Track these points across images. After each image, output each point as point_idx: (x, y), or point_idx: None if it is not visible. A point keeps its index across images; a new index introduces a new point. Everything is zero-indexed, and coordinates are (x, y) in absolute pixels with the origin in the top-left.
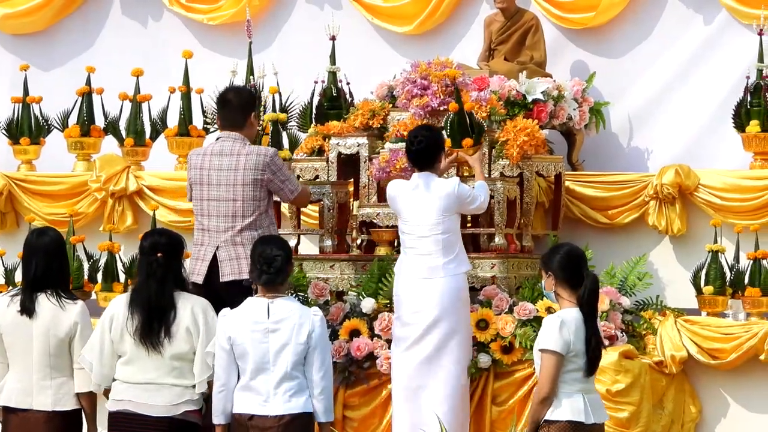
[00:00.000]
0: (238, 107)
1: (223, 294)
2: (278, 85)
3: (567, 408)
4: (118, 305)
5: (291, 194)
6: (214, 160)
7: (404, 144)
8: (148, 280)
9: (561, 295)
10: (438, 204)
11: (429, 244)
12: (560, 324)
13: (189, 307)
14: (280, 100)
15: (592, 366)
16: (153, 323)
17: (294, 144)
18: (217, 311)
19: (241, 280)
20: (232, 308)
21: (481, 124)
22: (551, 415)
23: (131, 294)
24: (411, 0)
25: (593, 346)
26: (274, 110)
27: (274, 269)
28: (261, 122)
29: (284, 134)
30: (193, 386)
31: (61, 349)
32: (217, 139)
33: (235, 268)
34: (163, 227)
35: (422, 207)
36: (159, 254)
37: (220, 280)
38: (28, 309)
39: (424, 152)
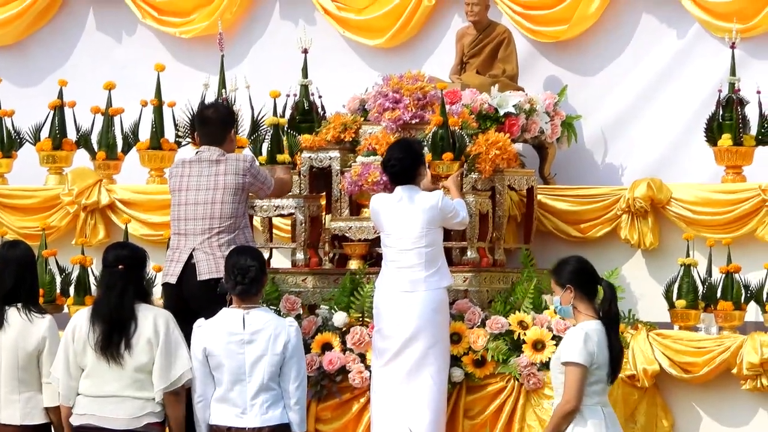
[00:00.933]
0: (219, 124)
1: (197, 296)
2: (250, 98)
3: (589, 423)
4: (80, 318)
5: (269, 190)
6: (194, 167)
7: (376, 158)
8: (108, 292)
9: (578, 308)
10: (422, 217)
11: (412, 257)
12: (585, 336)
13: (150, 318)
14: (252, 112)
15: (614, 374)
16: (113, 335)
17: (293, 148)
18: (186, 318)
19: (219, 278)
20: (205, 311)
21: (463, 139)
22: (572, 430)
23: (92, 307)
24: (382, 13)
25: (616, 355)
26: (275, 115)
27: (248, 279)
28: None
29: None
30: (154, 398)
31: (29, 363)
32: (197, 152)
33: (212, 266)
34: (125, 241)
35: (406, 220)
36: (120, 266)
37: (198, 279)
38: None
39: (400, 173)
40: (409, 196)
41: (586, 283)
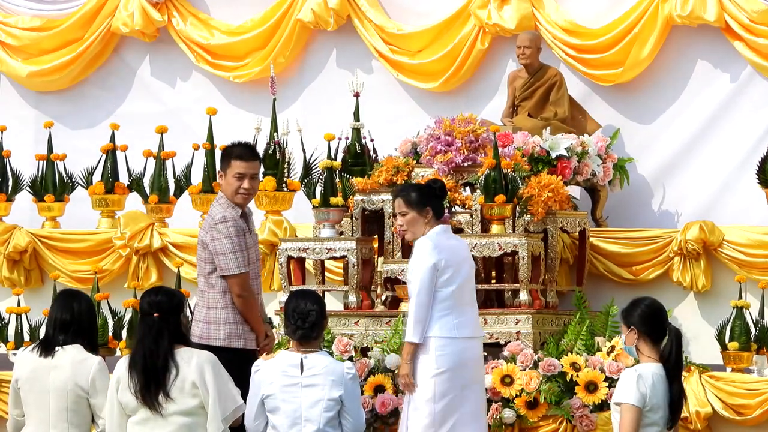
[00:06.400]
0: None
1: None
2: (302, 141)
3: None
4: (120, 367)
5: (221, 271)
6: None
7: None
8: (143, 339)
9: (641, 350)
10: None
11: (472, 294)
12: (637, 378)
13: (193, 361)
14: (304, 155)
15: (674, 419)
16: (150, 384)
17: (346, 192)
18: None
19: (197, 343)
20: None
21: (515, 181)
22: None
23: (130, 355)
24: (437, 57)
25: (677, 400)
26: (328, 158)
27: (308, 324)
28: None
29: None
30: None
31: (79, 405)
32: None
33: (193, 328)
34: (161, 285)
35: (463, 253)
36: (155, 314)
37: None
38: (46, 352)
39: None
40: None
41: (652, 327)
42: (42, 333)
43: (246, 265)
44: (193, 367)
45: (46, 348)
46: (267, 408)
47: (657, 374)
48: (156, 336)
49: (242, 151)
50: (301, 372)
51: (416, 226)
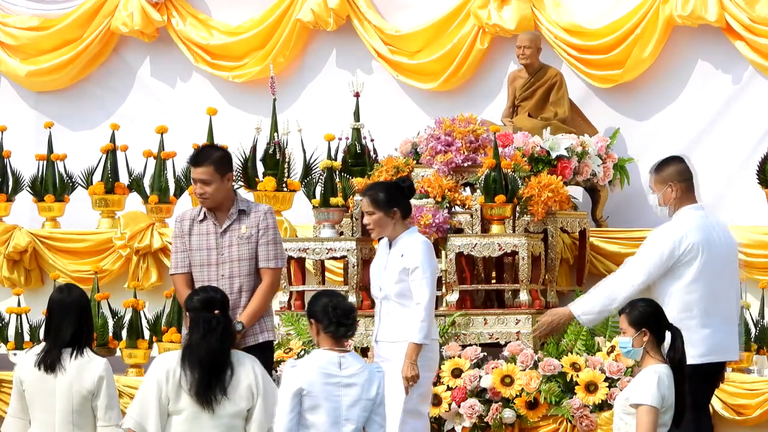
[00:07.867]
0: None
1: None
2: (302, 142)
3: None
4: (171, 362)
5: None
6: None
7: (429, 200)
8: (206, 337)
9: (649, 351)
10: None
11: None
12: (658, 379)
13: (248, 364)
14: (304, 156)
15: (680, 418)
16: (211, 381)
17: (347, 192)
18: None
19: None
20: None
21: (516, 181)
22: None
23: (184, 351)
24: (436, 57)
25: (683, 399)
26: (328, 158)
27: (351, 320)
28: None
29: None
30: None
31: (84, 406)
32: None
33: None
34: (209, 285)
35: None
36: (217, 311)
37: None
38: (53, 366)
39: None
40: None
41: (659, 325)
42: (41, 333)
43: (180, 267)
44: (248, 370)
45: (52, 366)
46: (305, 406)
47: (669, 375)
48: (222, 335)
49: (191, 157)
50: (340, 370)
51: (383, 226)
